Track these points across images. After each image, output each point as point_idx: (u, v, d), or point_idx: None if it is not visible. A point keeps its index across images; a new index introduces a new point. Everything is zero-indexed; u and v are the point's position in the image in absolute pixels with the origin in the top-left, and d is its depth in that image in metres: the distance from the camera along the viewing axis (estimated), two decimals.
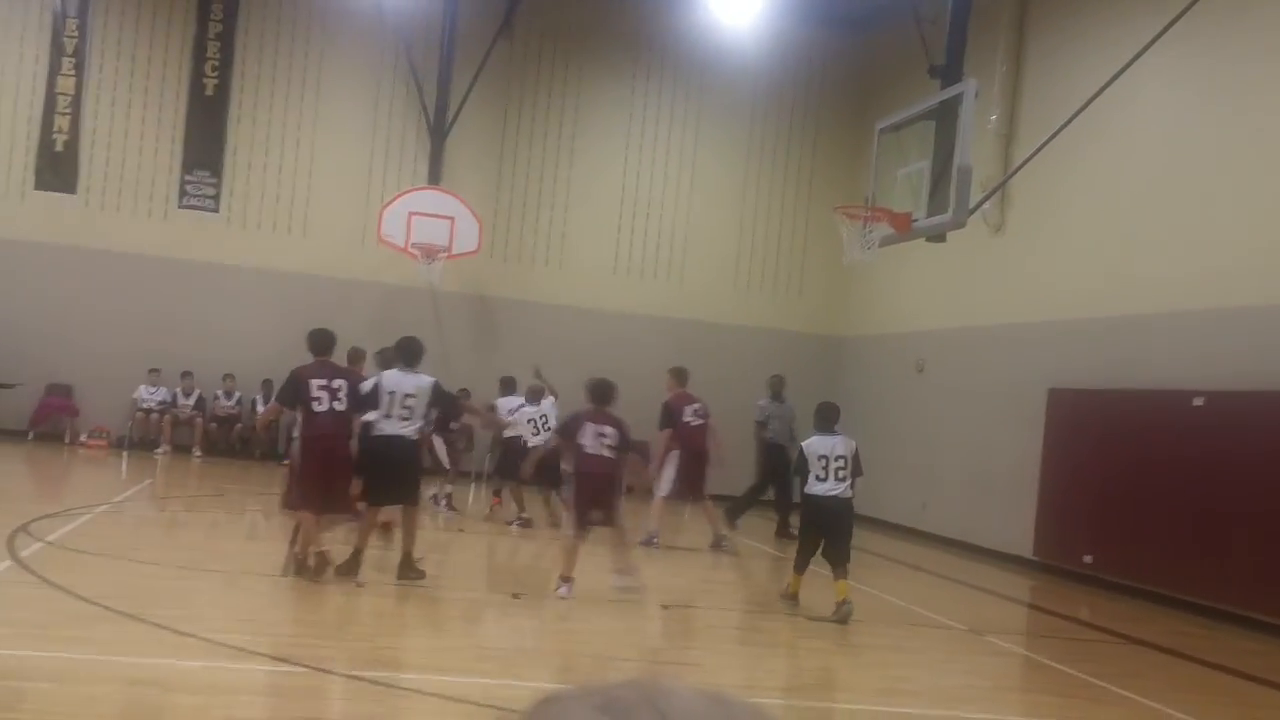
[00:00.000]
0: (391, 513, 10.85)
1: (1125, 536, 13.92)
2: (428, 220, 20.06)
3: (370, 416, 10.33)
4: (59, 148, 20.42)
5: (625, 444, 10.27)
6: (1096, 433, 14.66)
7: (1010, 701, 8.72)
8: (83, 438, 20.26)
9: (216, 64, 20.97)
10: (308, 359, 10.31)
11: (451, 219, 20.18)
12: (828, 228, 18.63)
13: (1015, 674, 9.88)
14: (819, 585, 10.73)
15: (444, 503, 15.37)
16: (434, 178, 21.03)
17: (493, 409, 15.39)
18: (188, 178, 20.84)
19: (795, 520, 12.21)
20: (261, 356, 19.92)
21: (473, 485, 19.01)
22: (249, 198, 21.08)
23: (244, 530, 13.23)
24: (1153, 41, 11.91)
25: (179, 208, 20.80)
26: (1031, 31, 17.36)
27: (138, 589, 8.79)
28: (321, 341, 10.25)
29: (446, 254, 20.15)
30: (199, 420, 20.62)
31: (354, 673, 7.11)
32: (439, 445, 14.98)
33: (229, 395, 20.78)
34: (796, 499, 11.32)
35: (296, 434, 10.29)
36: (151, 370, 20.31)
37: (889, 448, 19.32)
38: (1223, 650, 10.87)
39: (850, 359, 21.93)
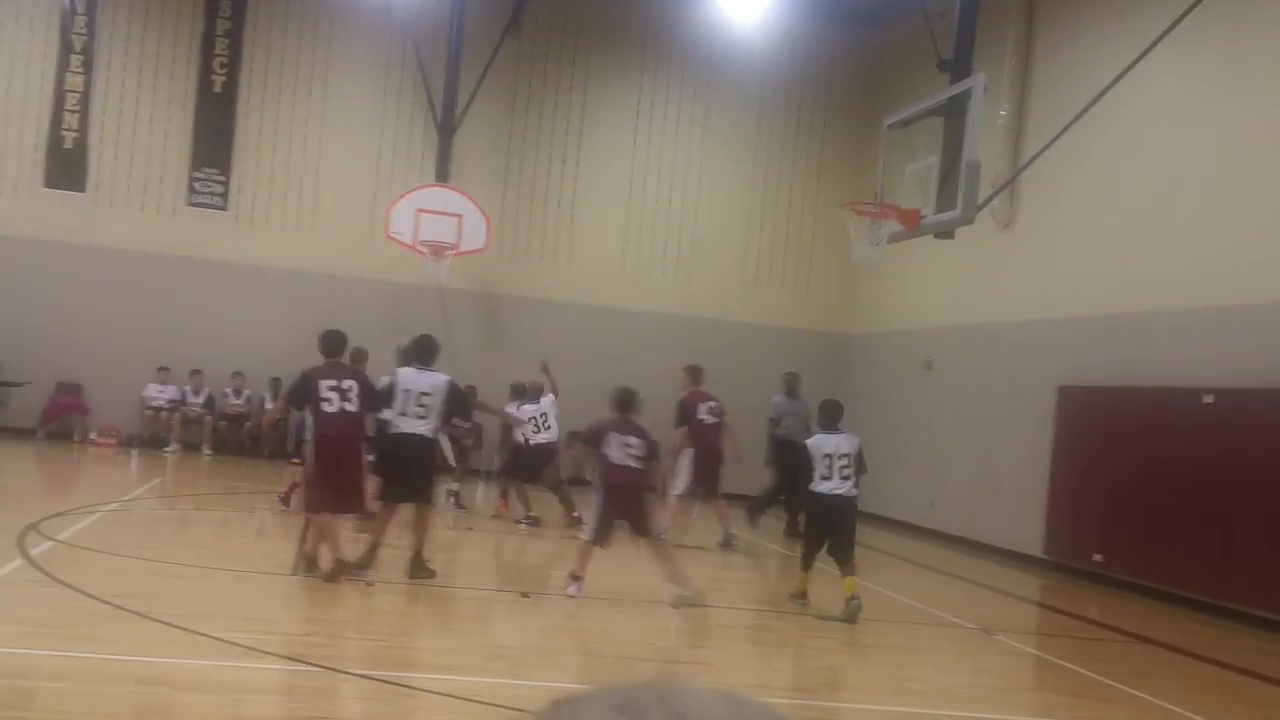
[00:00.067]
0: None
1: (1135, 535, 13.88)
2: (435, 218, 20.06)
3: (385, 415, 10.36)
4: (68, 145, 20.45)
5: (652, 454, 10.26)
6: (1106, 430, 14.62)
7: (1020, 701, 8.70)
8: (92, 436, 20.30)
9: (225, 61, 20.99)
10: (315, 356, 10.33)
11: (459, 216, 20.18)
12: (836, 224, 18.60)
13: (1025, 673, 9.86)
14: (828, 584, 10.72)
15: (453, 501, 15.41)
16: (442, 175, 21.03)
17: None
18: (196, 175, 20.86)
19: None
20: (270, 354, 19.96)
21: (481, 484, 19.02)
22: (257, 195, 21.10)
23: (254, 529, 13.24)
24: (1162, 36, 11.87)
25: (187, 205, 20.83)
26: (1041, 26, 17.32)
27: (147, 587, 8.80)
28: (332, 343, 10.25)
29: (454, 251, 20.15)
30: (208, 418, 20.64)
31: (364, 671, 7.12)
32: (444, 443, 14.99)
33: (238, 393, 20.80)
34: None
35: (308, 436, 10.30)
36: (160, 369, 20.34)
37: (897, 445, 19.31)
38: (1233, 649, 10.84)
39: (858, 356, 21.90)
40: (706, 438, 14.17)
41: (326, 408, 9.82)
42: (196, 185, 20.87)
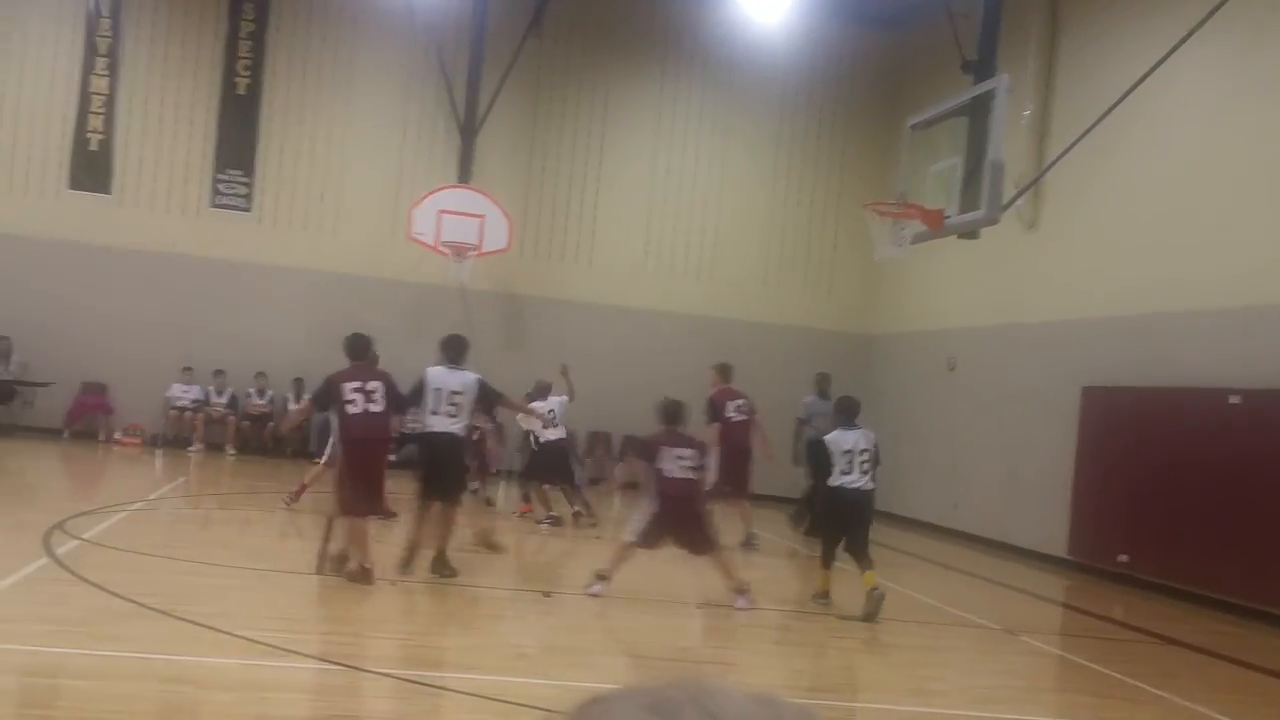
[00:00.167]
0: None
1: (1161, 535, 13.80)
2: (458, 218, 20.11)
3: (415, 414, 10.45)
4: (93, 147, 20.59)
5: (704, 462, 10.29)
6: (1131, 431, 14.53)
7: (1044, 701, 8.65)
8: (117, 436, 20.43)
9: (249, 63, 21.09)
10: (337, 355, 10.37)
11: (481, 217, 20.23)
12: (858, 225, 18.55)
13: (1049, 674, 9.81)
14: (850, 584, 10.70)
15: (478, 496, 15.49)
16: (464, 176, 21.08)
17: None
18: (220, 177, 20.97)
19: None
20: (293, 355, 20.07)
21: (503, 483, 19.04)
22: (280, 196, 21.20)
23: (277, 528, 13.29)
24: (1187, 36, 11.81)
25: (211, 207, 20.94)
26: (1064, 26, 17.23)
27: (172, 586, 8.85)
28: (357, 346, 10.28)
29: (476, 252, 20.19)
30: (231, 418, 20.75)
31: (388, 670, 7.14)
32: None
33: (261, 393, 20.90)
34: None
35: (334, 438, 10.35)
36: (184, 369, 20.46)
37: (920, 446, 19.26)
38: (1259, 650, 10.76)
39: (880, 357, 21.84)
40: (734, 435, 14.15)
41: (351, 409, 9.85)
42: (220, 187, 20.98)
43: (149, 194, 20.79)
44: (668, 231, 22.34)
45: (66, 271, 20.15)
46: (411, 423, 13.71)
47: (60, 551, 9.75)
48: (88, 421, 20.51)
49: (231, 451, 20.55)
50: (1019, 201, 14.86)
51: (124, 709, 6.00)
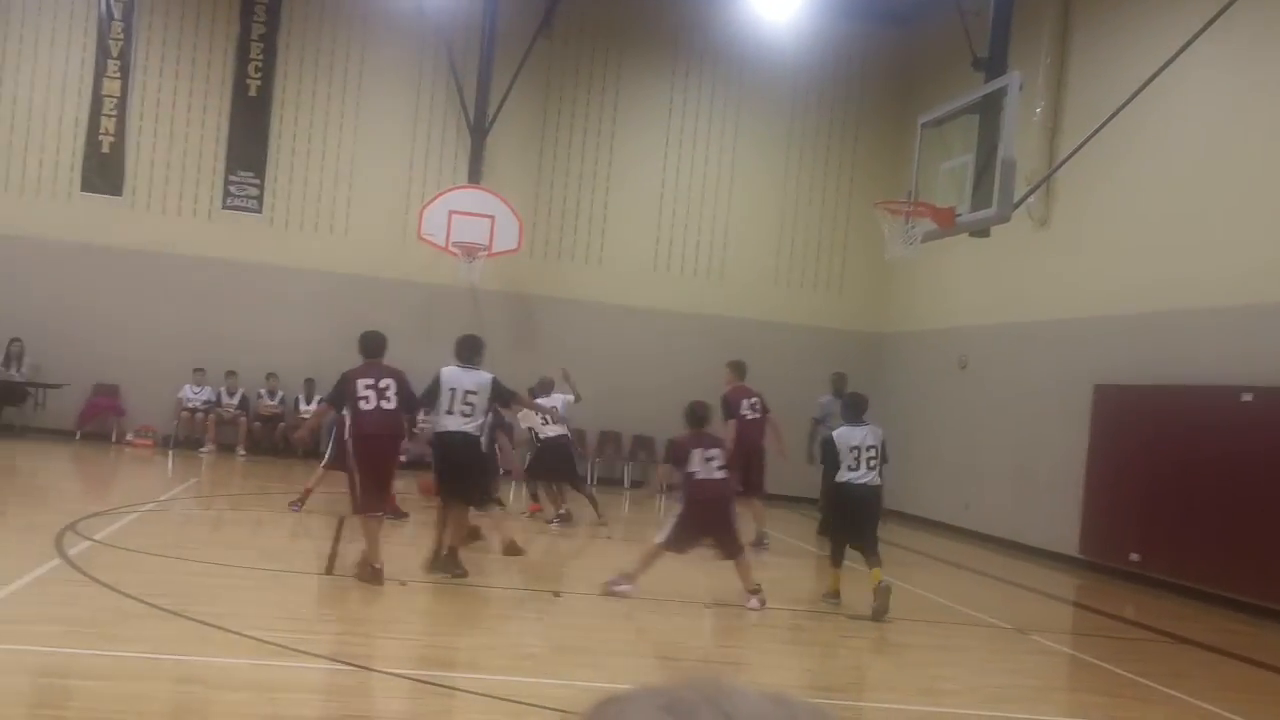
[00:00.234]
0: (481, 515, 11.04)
1: (1172, 534, 13.76)
2: (468, 219, 20.13)
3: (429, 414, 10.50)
4: (105, 150, 20.66)
5: (730, 460, 10.39)
6: (1143, 429, 14.49)
7: (1056, 701, 8.63)
8: (129, 437, 20.49)
9: (259, 65, 21.15)
10: (348, 357, 10.39)
11: (492, 217, 20.24)
12: (869, 223, 18.53)
13: (1061, 673, 9.79)
14: (861, 583, 10.68)
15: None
16: (474, 176, 21.09)
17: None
18: (231, 178, 21.03)
19: None
20: (304, 356, 20.13)
21: (513, 483, 19.04)
22: (291, 198, 21.24)
23: (288, 528, 13.31)
24: (1199, 33, 11.77)
25: (223, 208, 21.00)
26: (1076, 23, 17.18)
27: (184, 587, 8.87)
28: (371, 344, 10.29)
29: (487, 252, 20.21)
30: (243, 419, 20.79)
31: (399, 671, 7.14)
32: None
33: (272, 394, 20.94)
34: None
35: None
36: (196, 370, 20.51)
37: (931, 445, 19.23)
38: (1271, 649, 10.72)
39: (891, 355, 21.81)
40: (749, 434, 14.14)
41: (363, 405, 9.87)
42: (232, 188, 21.03)
43: (160, 196, 20.85)
44: (678, 231, 22.33)
45: (78, 273, 20.22)
46: (423, 422, 13.74)
47: (72, 552, 9.78)
48: (100, 423, 20.58)
49: (243, 452, 20.59)
50: (1030, 199, 14.83)
51: (135, 709, 6.02)
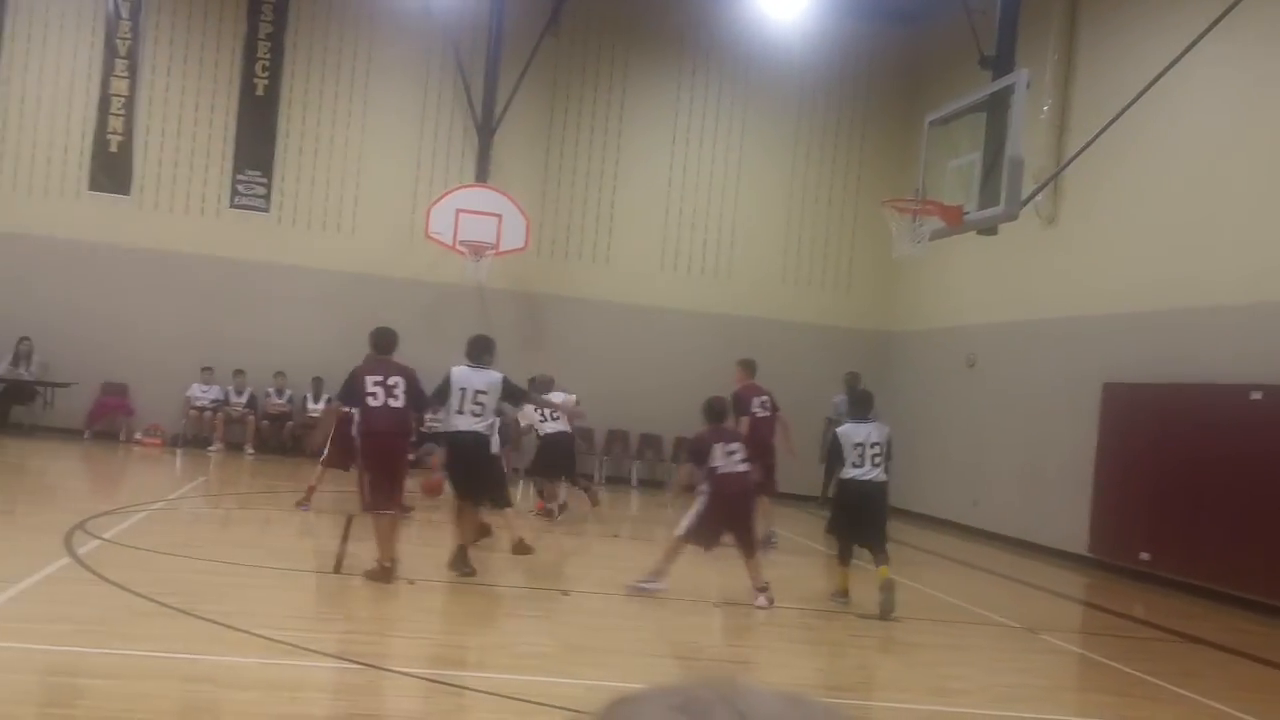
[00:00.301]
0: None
1: (1182, 533, 13.72)
2: (475, 218, 20.14)
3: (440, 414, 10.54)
4: (113, 149, 20.69)
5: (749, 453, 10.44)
6: (1152, 428, 14.46)
7: (1065, 700, 8.61)
8: (138, 436, 20.53)
9: (267, 64, 21.17)
10: (357, 355, 10.40)
11: (499, 216, 20.25)
12: (876, 222, 18.51)
13: (1070, 672, 9.76)
14: (869, 583, 10.67)
15: None
16: (481, 175, 21.10)
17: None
18: (239, 177, 21.05)
19: None
20: (312, 354, 20.14)
21: (521, 482, 19.06)
22: (299, 197, 21.26)
23: (297, 527, 13.33)
24: (1207, 30, 11.73)
25: (230, 207, 21.03)
26: (1083, 20, 17.14)
27: (193, 585, 8.87)
28: (381, 340, 10.29)
29: (494, 251, 20.22)
30: (251, 418, 20.81)
31: (408, 669, 7.14)
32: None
33: (280, 393, 20.96)
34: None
35: (355, 432, 10.38)
36: (204, 369, 20.53)
37: (939, 443, 19.21)
38: None
39: (899, 354, 21.78)
40: (759, 432, 14.12)
41: (371, 402, 9.86)
42: (239, 187, 21.06)
43: (168, 195, 20.89)
44: (685, 230, 22.32)
45: (87, 272, 20.26)
46: (431, 421, 13.76)
47: (81, 551, 9.79)
48: (108, 422, 20.61)
49: (251, 451, 20.62)
50: (1038, 197, 14.80)
51: (145, 708, 6.02)
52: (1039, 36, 16.83)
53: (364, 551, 10.41)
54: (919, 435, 18.76)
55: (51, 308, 19.97)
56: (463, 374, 10.42)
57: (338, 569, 10.29)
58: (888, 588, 10.12)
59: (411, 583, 9.88)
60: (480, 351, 10.60)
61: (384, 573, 9.69)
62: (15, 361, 19.98)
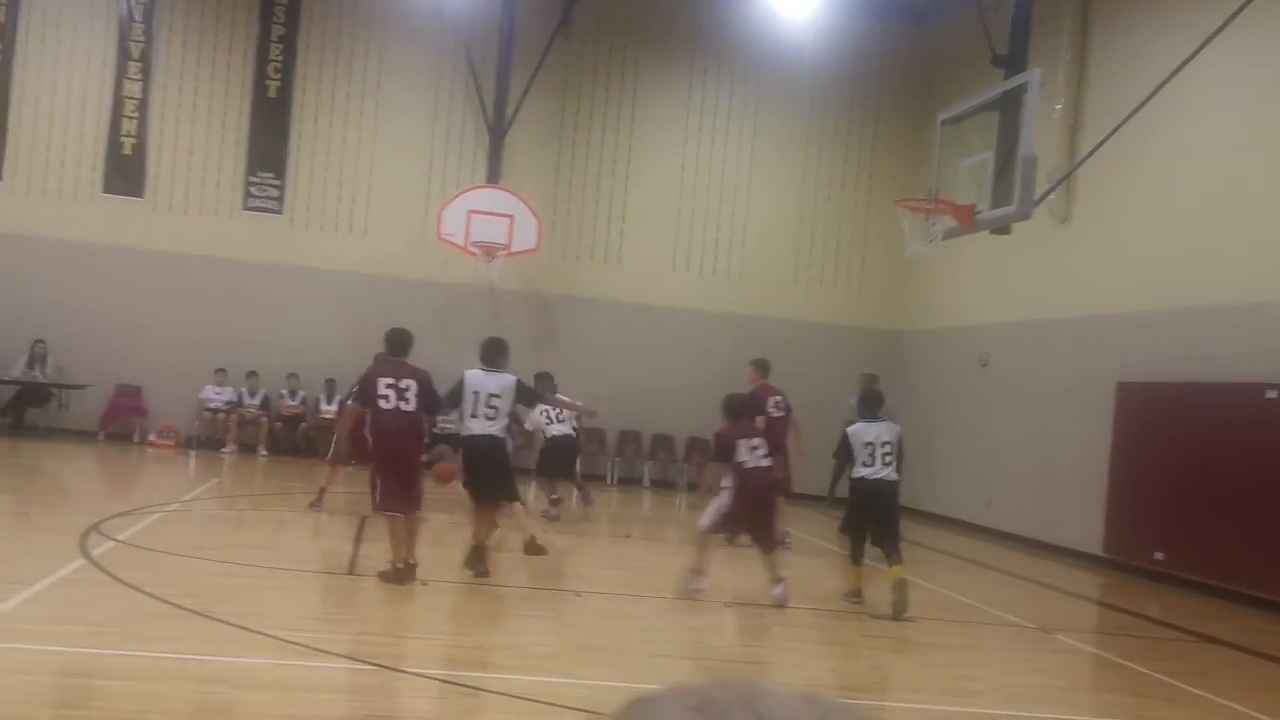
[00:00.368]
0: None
1: (1197, 532, 13.67)
2: (487, 219, 20.16)
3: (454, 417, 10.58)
4: (126, 151, 20.76)
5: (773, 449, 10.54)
6: (1167, 427, 14.40)
7: (1080, 700, 8.58)
8: (151, 437, 20.59)
9: (279, 66, 21.22)
10: (369, 357, 10.41)
11: (511, 217, 20.26)
12: (888, 221, 18.47)
13: (1085, 672, 9.73)
14: (880, 582, 10.65)
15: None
16: (493, 176, 21.12)
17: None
18: (252, 179, 21.10)
19: None
20: (325, 356, 20.18)
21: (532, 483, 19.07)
22: (311, 198, 21.31)
23: (310, 528, 13.35)
24: (1221, 27, 11.68)
25: (243, 209, 21.08)
26: (1096, 18, 17.09)
27: (207, 587, 8.89)
28: (396, 341, 10.28)
29: (506, 252, 20.24)
30: (264, 420, 20.86)
31: (422, 670, 7.15)
32: None
33: (293, 395, 21.01)
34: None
35: (368, 432, 10.40)
36: (217, 370, 20.59)
37: (952, 443, 19.17)
38: None
39: (911, 353, 21.73)
40: (773, 432, 14.11)
41: (383, 404, 9.86)
42: (252, 189, 21.11)
43: (182, 197, 20.95)
44: (697, 230, 22.31)
45: (100, 275, 20.33)
46: (443, 422, 13.80)
47: (96, 553, 9.82)
48: (122, 423, 20.68)
49: (264, 452, 20.67)
50: (1051, 196, 14.74)
51: (159, 709, 6.04)
52: (1051, 35, 16.78)
53: (377, 553, 10.42)
54: (932, 435, 18.72)
55: (66, 310, 20.04)
56: (476, 377, 10.43)
57: (351, 570, 10.31)
58: (901, 588, 10.12)
59: (424, 583, 9.88)
60: (494, 354, 10.61)
61: (398, 573, 9.70)
62: (30, 364, 20.05)
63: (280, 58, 21.24)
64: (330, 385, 20.35)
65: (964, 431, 19.25)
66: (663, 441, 21.80)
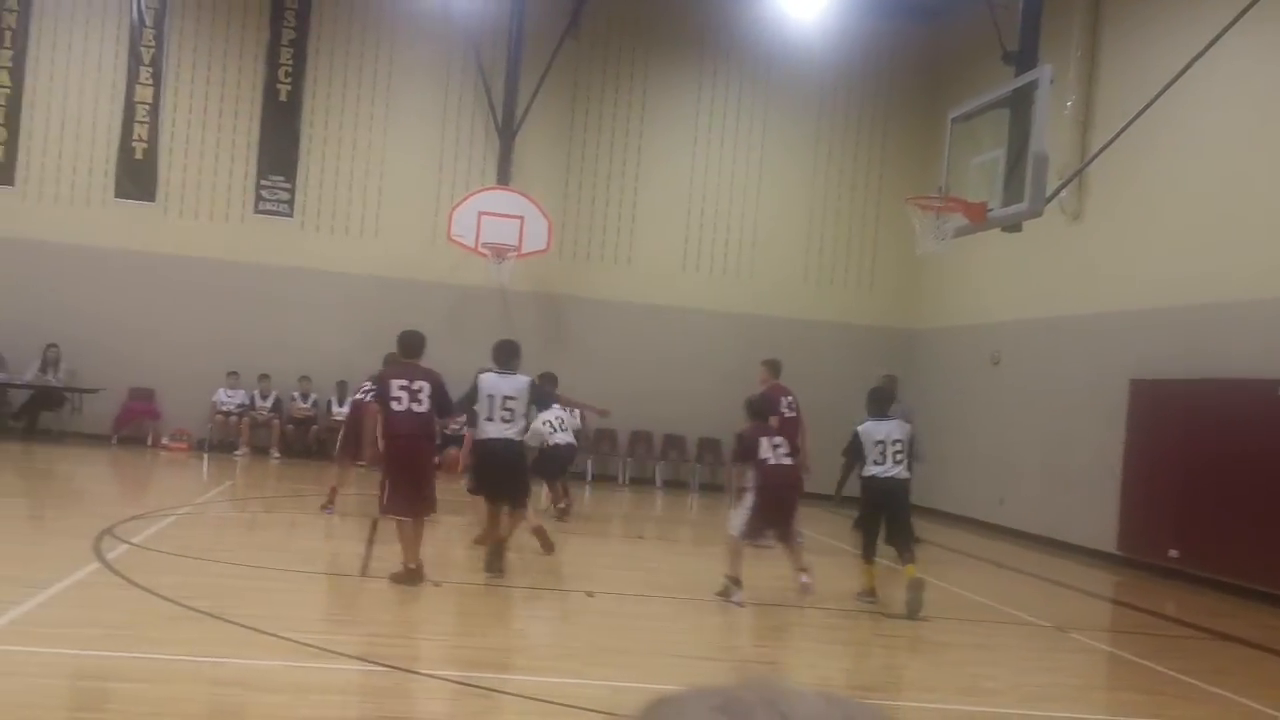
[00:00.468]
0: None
1: (1212, 529, 13.62)
2: (497, 220, 20.17)
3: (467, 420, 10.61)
4: (138, 156, 20.83)
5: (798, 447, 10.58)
6: (1180, 424, 14.35)
7: (1096, 699, 8.56)
8: (164, 441, 20.64)
9: (289, 70, 21.26)
10: (380, 359, 10.42)
11: (521, 218, 20.27)
12: (899, 219, 18.45)
13: (1101, 671, 9.70)
14: (894, 582, 10.62)
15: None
16: (503, 177, 21.13)
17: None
18: (263, 183, 21.15)
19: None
20: (336, 358, 20.22)
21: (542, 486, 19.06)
22: (322, 201, 21.35)
23: (323, 530, 13.37)
24: (1232, 23, 11.64)
25: (255, 213, 21.13)
26: (1107, 14, 17.04)
27: (220, 589, 8.91)
28: (408, 343, 10.29)
29: (516, 253, 20.25)
30: (276, 422, 20.90)
31: (435, 672, 7.15)
32: None
33: (305, 397, 21.04)
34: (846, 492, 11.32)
35: (379, 433, 10.41)
36: (229, 373, 20.64)
37: (965, 441, 19.12)
38: None
39: (923, 352, 21.69)
40: (787, 433, 14.09)
41: (395, 406, 9.87)
42: (263, 193, 21.16)
43: (193, 201, 21.01)
44: (707, 230, 22.30)
45: (113, 279, 20.40)
46: (454, 425, 13.82)
47: (110, 556, 9.85)
48: (135, 427, 20.74)
49: (276, 455, 20.70)
50: (1062, 193, 14.69)
51: (173, 711, 6.05)
52: (1062, 31, 16.73)
53: (390, 554, 10.43)
54: (944, 434, 18.66)
55: (79, 314, 20.11)
56: (491, 381, 10.44)
57: (364, 572, 10.32)
58: (915, 587, 10.10)
59: (437, 585, 9.89)
60: (508, 357, 10.63)
61: (409, 574, 9.70)
62: (43, 368, 20.12)
63: (290, 61, 21.29)
64: (342, 387, 20.37)
65: (976, 430, 19.20)
66: (674, 442, 21.79)
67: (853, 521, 11.38)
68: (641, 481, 21.60)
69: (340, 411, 20.01)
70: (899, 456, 10.61)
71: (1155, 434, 14.87)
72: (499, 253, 20.07)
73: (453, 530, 12.87)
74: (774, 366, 14.73)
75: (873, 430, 10.70)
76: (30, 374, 20.12)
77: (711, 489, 21.36)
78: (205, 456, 20.27)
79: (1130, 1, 16.56)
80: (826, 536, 15.70)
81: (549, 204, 20.87)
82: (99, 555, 9.83)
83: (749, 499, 10.28)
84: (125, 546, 10.42)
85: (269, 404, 20.96)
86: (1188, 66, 12.07)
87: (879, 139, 22.64)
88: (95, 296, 20.26)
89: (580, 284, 21.75)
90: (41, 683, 6.29)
